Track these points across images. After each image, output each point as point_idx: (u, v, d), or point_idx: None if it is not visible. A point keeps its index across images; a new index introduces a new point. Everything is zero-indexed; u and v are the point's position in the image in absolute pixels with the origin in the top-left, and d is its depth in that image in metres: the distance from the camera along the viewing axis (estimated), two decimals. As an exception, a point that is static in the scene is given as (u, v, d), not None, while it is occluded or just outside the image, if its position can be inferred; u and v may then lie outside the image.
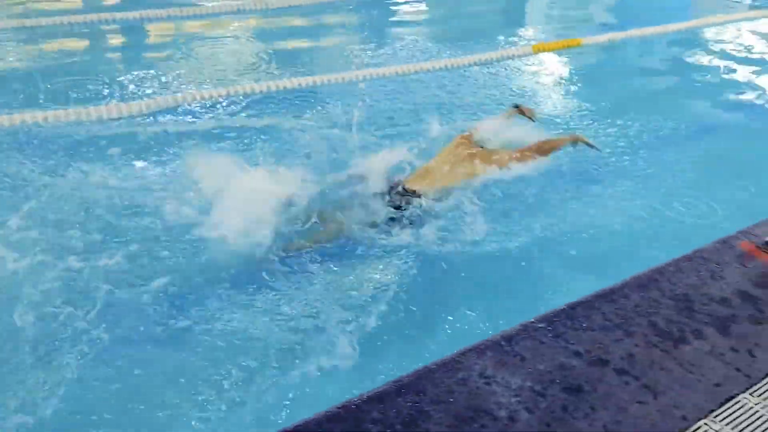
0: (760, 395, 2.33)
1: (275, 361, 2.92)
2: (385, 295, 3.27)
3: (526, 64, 6.12)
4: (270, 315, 3.16)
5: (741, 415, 2.25)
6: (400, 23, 7.70)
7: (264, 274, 3.40)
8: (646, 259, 3.14)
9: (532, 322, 2.61)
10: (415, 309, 3.24)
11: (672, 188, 4.28)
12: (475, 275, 3.50)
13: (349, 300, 3.25)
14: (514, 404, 2.23)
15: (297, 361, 2.92)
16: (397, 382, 2.31)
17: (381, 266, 3.50)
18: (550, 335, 2.54)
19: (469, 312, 3.23)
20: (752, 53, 6.94)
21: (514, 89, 5.66)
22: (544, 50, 6.37)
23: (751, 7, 8.66)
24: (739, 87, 5.94)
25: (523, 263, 3.62)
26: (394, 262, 3.48)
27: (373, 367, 2.90)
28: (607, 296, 2.76)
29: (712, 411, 2.27)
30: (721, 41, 7.29)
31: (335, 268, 3.47)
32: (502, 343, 2.50)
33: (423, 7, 8.16)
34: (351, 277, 3.45)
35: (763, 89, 5.80)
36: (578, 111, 5.31)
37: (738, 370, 2.44)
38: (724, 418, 2.24)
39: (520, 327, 2.58)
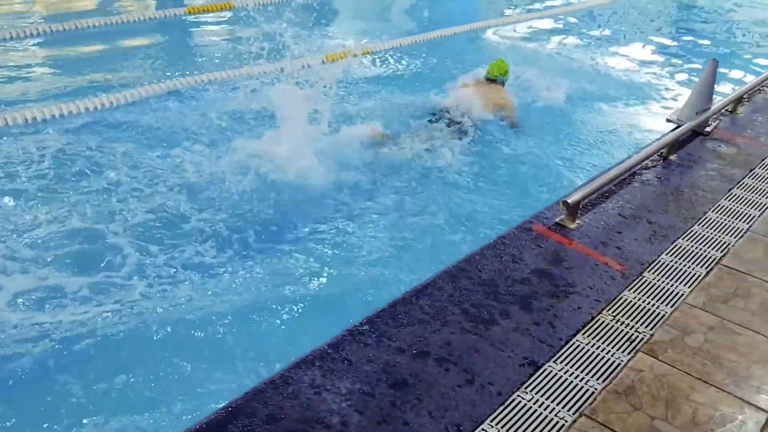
0: (562, 361, 2.59)
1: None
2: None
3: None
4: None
5: (548, 382, 2.49)
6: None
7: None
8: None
9: (357, 326, 2.67)
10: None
11: (468, 187, 4.57)
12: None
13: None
14: (346, 408, 2.28)
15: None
16: (228, 408, 2.25)
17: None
18: (374, 336, 2.62)
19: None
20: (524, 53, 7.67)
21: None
22: (334, 59, 6.57)
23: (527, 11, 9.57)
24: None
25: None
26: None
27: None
28: (423, 290, 2.91)
29: (524, 383, 2.48)
30: (504, 42, 7.99)
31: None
32: (329, 350, 2.53)
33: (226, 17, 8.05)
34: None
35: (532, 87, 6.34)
36: (366, 116, 5.47)
37: (542, 341, 2.69)
38: (534, 387, 2.46)
39: (345, 332, 2.64)
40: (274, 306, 3.35)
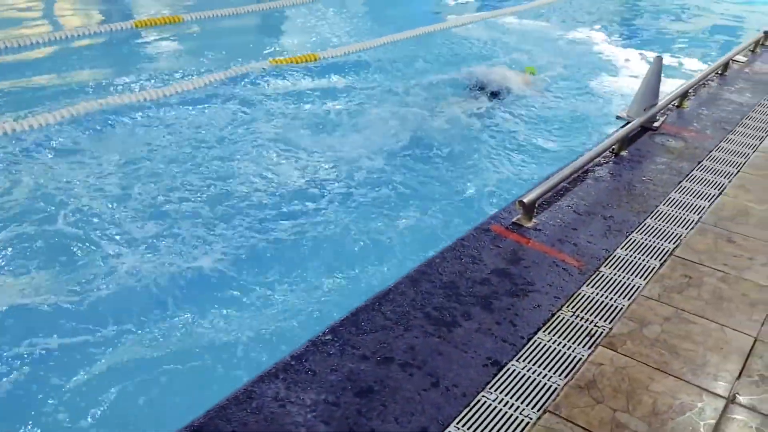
0: (524, 359, 2.62)
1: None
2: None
3: (264, 79, 6.23)
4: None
5: (512, 381, 2.51)
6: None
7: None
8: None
9: (320, 336, 2.66)
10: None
11: (427, 193, 4.62)
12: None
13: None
14: (311, 420, 2.26)
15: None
16: (190, 428, 2.21)
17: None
18: (337, 345, 2.61)
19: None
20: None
21: (247, 109, 5.68)
22: (281, 64, 6.55)
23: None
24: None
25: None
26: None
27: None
28: (385, 296, 2.91)
29: (488, 383, 2.50)
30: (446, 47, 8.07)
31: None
32: (292, 362, 2.51)
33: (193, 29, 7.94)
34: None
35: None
36: (317, 125, 5.48)
37: (504, 341, 2.71)
38: (498, 387, 2.48)
39: (308, 343, 2.62)
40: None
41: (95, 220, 4.03)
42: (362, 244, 3.94)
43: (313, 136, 5.26)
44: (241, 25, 8.31)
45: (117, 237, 3.89)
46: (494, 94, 6.18)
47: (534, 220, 3.56)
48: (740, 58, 6.72)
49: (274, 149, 5.01)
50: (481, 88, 6.25)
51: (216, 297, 3.49)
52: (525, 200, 3.46)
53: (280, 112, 5.67)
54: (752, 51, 7.08)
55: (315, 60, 6.86)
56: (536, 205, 3.59)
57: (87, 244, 3.82)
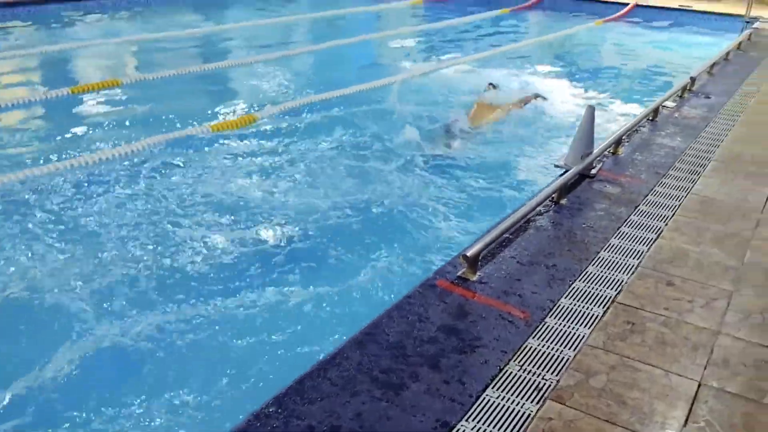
0: (474, 419, 2.57)
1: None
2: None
3: (206, 145, 6.21)
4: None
5: (461, 442, 2.46)
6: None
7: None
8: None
9: (263, 408, 2.56)
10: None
11: (372, 249, 4.61)
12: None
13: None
14: (255, 501, 2.15)
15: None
16: None
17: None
18: (282, 417, 2.52)
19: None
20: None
21: (190, 174, 5.63)
22: (222, 129, 6.54)
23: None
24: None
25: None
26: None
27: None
28: (330, 362, 2.84)
29: (438, 446, 2.44)
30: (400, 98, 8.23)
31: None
32: (235, 439, 2.41)
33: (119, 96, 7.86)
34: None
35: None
36: (255, 187, 5.48)
37: (453, 400, 2.67)
38: (448, 450, 2.42)
39: (250, 417, 2.52)
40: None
41: (24, 291, 3.87)
42: (306, 308, 3.88)
43: (252, 199, 5.22)
44: (180, 88, 8.28)
45: (46, 302, 3.75)
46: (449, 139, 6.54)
47: (479, 273, 3.57)
48: (669, 103, 7.03)
49: (213, 214, 4.94)
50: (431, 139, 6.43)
51: (156, 372, 3.36)
52: (468, 254, 3.47)
53: (217, 176, 5.62)
54: (680, 96, 7.42)
55: (253, 121, 6.85)
56: (480, 258, 3.61)
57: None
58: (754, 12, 13.61)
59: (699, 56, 10.98)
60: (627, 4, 15.44)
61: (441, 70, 9.69)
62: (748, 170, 5.27)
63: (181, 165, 5.77)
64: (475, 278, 3.53)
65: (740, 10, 14.03)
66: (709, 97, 7.53)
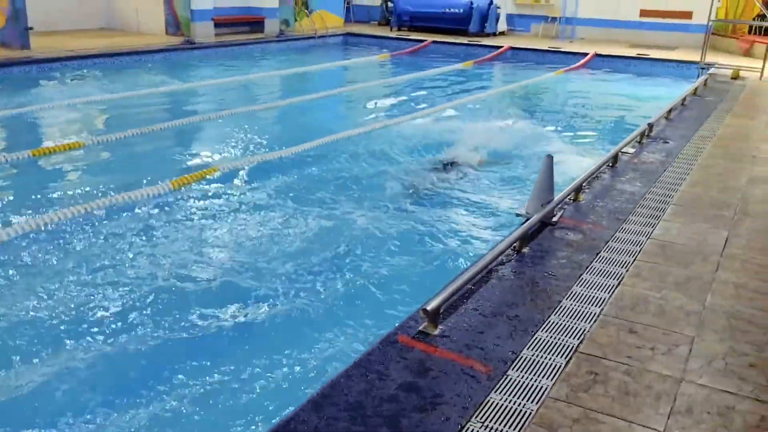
0: (434, 481, 2.48)
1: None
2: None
3: (167, 202, 6.15)
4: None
5: (421, 508, 2.36)
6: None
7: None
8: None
9: (213, 480, 2.45)
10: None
11: (333, 305, 4.54)
12: None
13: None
14: None
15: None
16: None
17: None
18: (232, 488, 2.40)
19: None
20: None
21: (156, 233, 5.57)
22: (185, 184, 6.49)
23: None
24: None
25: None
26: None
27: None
28: (285, 426, 2.74)
29: None
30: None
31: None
32: None
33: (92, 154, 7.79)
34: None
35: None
36: (226, 245, 5.43)
37: (413, 463, 2.57)
38: None
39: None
40: None
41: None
42: (259, 369, 3.77)
43: (210, 255, 5.15)
44: (144, 147, 8.24)
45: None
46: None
47: (440, 326, 3.52)
48: (628, 149, 7.16)
49: (175, 272, 4.85)
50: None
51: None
52: (428, 308, 3.42)
53: (177, 233, 5.55)
54: (639, 142, 7.58)
55: (214, 173, 6.83)
56: (441, 311, 3.56)
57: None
58: (709, 58, 14.12)
59: (657, 102, 11.30)
60: (587, 54, 15.93)
61: (408, 121, 9.82)
62: (707, 213, 5.35)
63: (140, 224, 5.68)
64: (436, 332, 3.47)
65: (695, 56, 14.56)
66: (667, 142, 7.70)
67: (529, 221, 4.76)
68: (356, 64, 16.13)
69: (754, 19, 16.59)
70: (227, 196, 6.48)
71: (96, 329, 4.15)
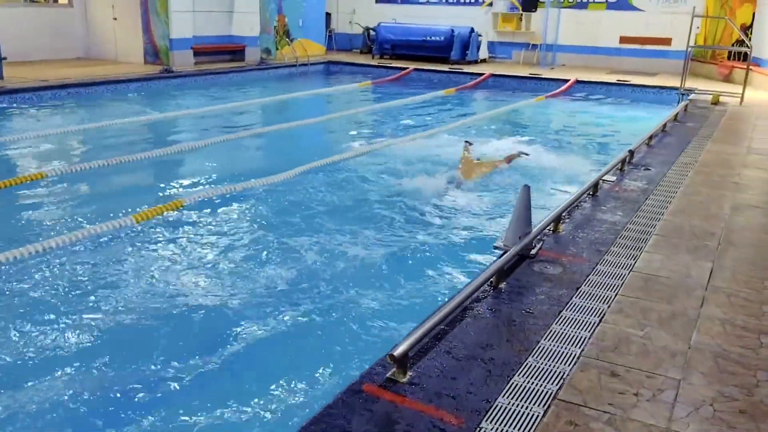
0: None
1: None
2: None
3: (130, 235, 5.90)
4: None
5: None
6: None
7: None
8: None
9: None
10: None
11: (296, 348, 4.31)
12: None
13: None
14: None
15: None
16: None
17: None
18: None
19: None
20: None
21: (120, 266, 5.32)
22: (147, 218, 6.24)
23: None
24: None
25: None
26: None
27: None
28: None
29: None
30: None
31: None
32: None
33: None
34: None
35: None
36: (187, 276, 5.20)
37: None
38: None
39: None
40: None
41: None
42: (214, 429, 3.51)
43: (175, 291, 4.89)
44: (111, 179, 7.99)
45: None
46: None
47: (410, 373, 3.28)
48: (609, 177, 7.01)
49: (132, 308, 4.59)
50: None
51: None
52: (396, 353, 3.18)
53: (138, 269, 5.29)
54: (620, 169, 7.44)
55: (180, 206, 6.57)
56: (411, 355, 3.33)
57: None
58: (689, 84, 14.15)
59: (638, 128, 11.24)
60: (567, 81, 15.94)
61: (386, 149, 9.66)
62: (690, 243, 5.18)
63: (100, 259, 5.42)
64: (405, 379, 3.23)
65: (675, 82, 14.60)
66: (648, 169, 7.57)
67: (506, 255, 4.56)
68: (337, 92, 16.03)
69: (732, 44, 16.73)
70: (198, 228, 6.23)
71: (50, 370, 3.88)
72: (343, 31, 22.80)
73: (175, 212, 6.47)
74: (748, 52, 13.31)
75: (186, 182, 7.88)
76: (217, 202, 6.94)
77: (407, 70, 17.91)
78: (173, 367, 3.96)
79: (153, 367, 3.98)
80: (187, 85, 14.97)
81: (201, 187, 7.57)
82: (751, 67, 13.56)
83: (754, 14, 16.23)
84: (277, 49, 19.20)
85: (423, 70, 17.98)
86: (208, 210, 6.73)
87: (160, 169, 8.59)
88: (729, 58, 16.79)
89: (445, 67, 18.16)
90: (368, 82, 16.88)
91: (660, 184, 6.89)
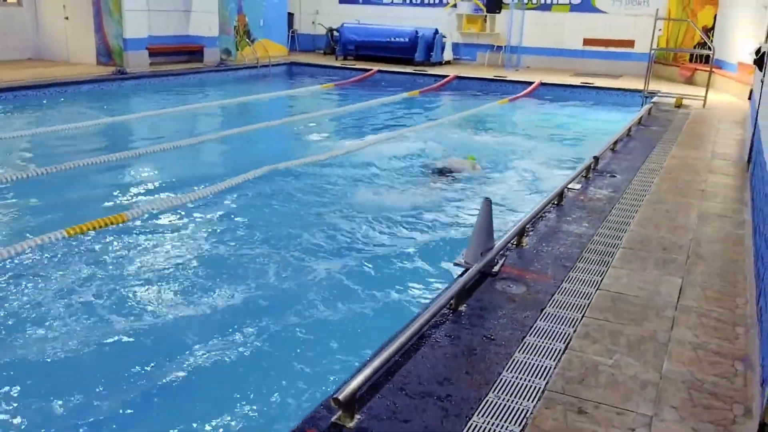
0: None
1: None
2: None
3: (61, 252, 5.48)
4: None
5: None
6: None
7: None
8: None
9: None
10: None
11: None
12: None
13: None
14: None
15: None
16: None
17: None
18: None
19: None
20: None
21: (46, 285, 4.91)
22: (81, 232, 5.80)
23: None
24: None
25: None
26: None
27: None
28: None
29: None
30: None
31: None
32: None
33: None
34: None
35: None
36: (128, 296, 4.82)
37: None
38: None
39: None
40: None
41: None
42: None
43: (98, 318, 4.50)
44: (47, 189, 7.50)
45: None
46: None
47: (357, 416, 2.95)
48: (574, 186, 6.79)
49: (61, 337, 4.18)
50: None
51: None
52: (341, 397, 2.86)
53: (79, 284, 4.89)
54: (585, 177, 7.23)
55: (123, 221, 6.15)
56: (359, 396, 3.00)
57: None
58: (652, 86, 14.11)
59: (602, 131, 11.10)
60: (532, 83, 15.80)
61: (349, 153, 9.34)
62: (657, 256, 4.96)
63: (25, 279, 4.99)
64: (352, 424, 2.90)
65: (639, 84, 14.55)
66: (614, 176, 7.38)
67: (466, 273, 4.27)
68: (299, 94, 15.64)
69: (694, 47, 16.79)
70: (137, 243, 5.82)
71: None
72: (306, 31, 22.37)
73: (116, 226, 6.03)
74: (711, 55, 13.31)
75: (131, 193, 7.44)
76: (161, 214, 6.53)
77: (371, 72, 17.60)
78: (87, 404, 3.58)
79: (72, 400, 3.60)
80: (141, 87, 14.42)
81: (146, 197, 7.14)
82: (713, 69, 13.57)
83: (715, 16, 16.30)
84: (237, 49, 18.71)
85: (387, 71, 17.69)
86: (153, 222, 6.32)
87: (106, 178, 8.11)
88: (691, 60, 16.85)
89: (409, 69, 17.89)
90: (331, 83, 16.52)
91: (626, 192, 6.69)
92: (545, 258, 4.90)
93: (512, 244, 5.08)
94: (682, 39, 17.22)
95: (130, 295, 4.87)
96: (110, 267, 5.32)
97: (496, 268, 4.60)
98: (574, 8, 18.56)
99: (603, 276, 4.59)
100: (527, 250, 5.04)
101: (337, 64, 18.85)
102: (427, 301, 4.18)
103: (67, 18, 16.12)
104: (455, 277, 4.46)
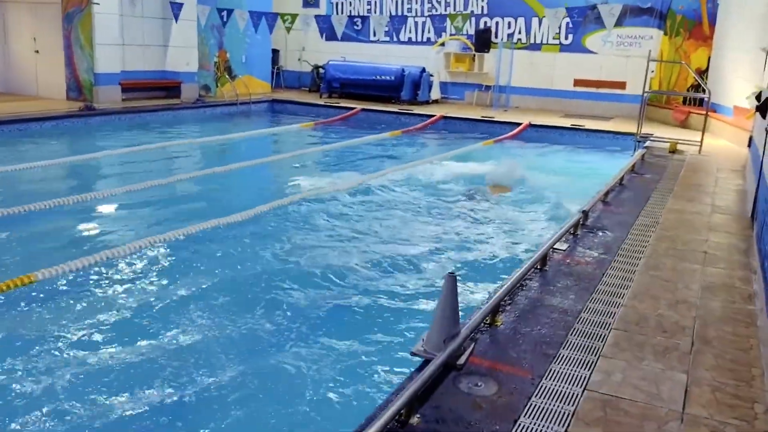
0: None
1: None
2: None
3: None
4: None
5: None
6: None
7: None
8: None
9: None
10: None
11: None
12: None
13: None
14: None
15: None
16: None
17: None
18: None
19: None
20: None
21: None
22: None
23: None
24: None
25: None
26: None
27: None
28: None
29: None
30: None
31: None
32: None
33: None
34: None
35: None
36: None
37: None
38: None
39: None
40: None
41: None
42: None
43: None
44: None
45: None
46: None
47: None
48: (560, 246, 6.02)
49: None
50: None
51: None
52: None
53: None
54: (573, 234, 6.47)
55: (30, 282, 5.29)
56: None
57: None
58: (645, 129, 13.50)
59: (593, 177, 10.40)
60: (520, 124, 15.19)
61: (339, 190, 8.61)
62: (656, 341, 4.17)
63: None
64: None
65: (631, 127, 13.95)
66: (605, 233, 6.62)
67: (426, 368, 3.47)
68: (276, 133, 14.96)
69: (688, 89, 16.27)
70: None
71: None
72: (292, 68, 21.84)
73: (25, 287, 5.21)
74: (706, 99, 12.72)
75: (99, 234, 6.64)
76: (117, 261, 5.73)
77: (354, 111, 16.97)
78: None
79: None
80: (109, 124, 13.70)
81: (117, 237, 6.35)
82: (709, 113, 12.97)
83: (709, 59, 15.82)
84: (217, 86, 18.10)
85: (371, 110, 17.06)
86: (95, 276, 5.51)
87: (72, 219, 7.34)
88: (684, 102, 16.31)
89: (394, 108, 17.27)
90: (311, 122, 15.85)
91: (618, 254, 5.93)
92: (523, 343, 4.09)
93: (485, 323, 4.29)
94: (675, 80, 16.70)
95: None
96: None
97: (462, 359, 3.80)
98: (564, 48, 18.07)
99: (591, 370, 3.78)
100: (502, 332, 4.24)
101: (321, 101, 18.24)
102: (372, 409, 3.34)
103: (37, 51, 15.51)
104: (410, 372, 3.64)
